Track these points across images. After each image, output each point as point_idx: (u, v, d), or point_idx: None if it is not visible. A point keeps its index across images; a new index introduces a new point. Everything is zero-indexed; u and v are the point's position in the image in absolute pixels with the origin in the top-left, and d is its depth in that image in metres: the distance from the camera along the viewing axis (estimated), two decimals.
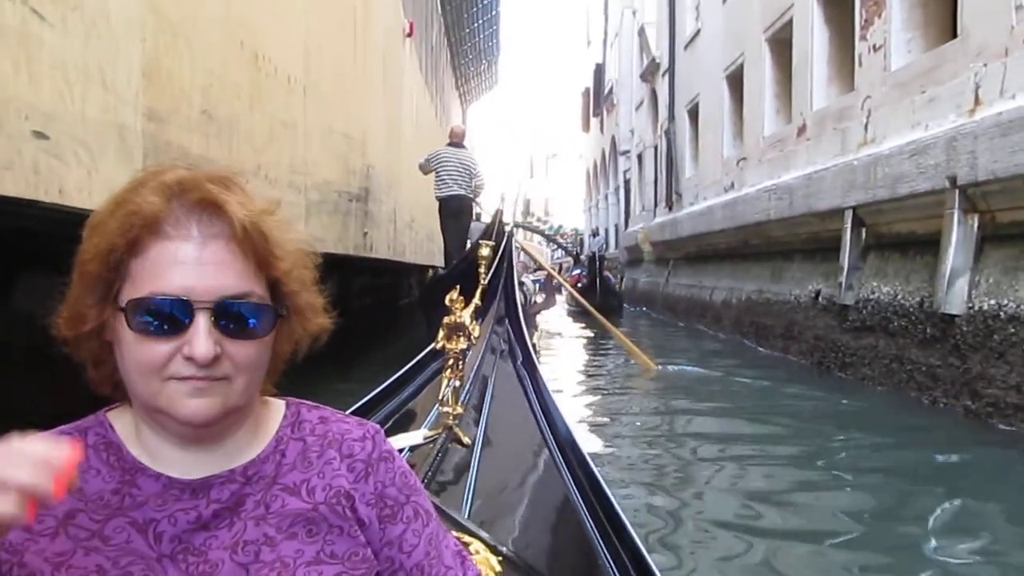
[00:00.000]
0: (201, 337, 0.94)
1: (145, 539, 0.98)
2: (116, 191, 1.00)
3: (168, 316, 0.95)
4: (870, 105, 9.08)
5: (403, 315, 15.31)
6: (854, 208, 8.84)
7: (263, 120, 5.54)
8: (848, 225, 8.90)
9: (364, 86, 8.93)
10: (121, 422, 1.05)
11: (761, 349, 11.60)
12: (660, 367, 9.90)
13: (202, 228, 0.96)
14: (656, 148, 23.42)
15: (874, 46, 9.11)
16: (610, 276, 20.36)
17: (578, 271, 23.13)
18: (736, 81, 14.93)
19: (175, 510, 1.00)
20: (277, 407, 1.13)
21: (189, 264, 0.95)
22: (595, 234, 26.61)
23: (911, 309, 7.46)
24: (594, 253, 21.97)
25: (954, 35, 7.92)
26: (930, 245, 7.38)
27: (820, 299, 9.74)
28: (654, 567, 1.79)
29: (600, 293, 17.82)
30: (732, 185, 14.55)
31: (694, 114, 18.48)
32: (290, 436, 1.10)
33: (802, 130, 11.25)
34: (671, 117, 20.31)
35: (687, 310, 16.81)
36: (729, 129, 15.57)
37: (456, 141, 11.27)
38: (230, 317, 0.97)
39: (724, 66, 15.52)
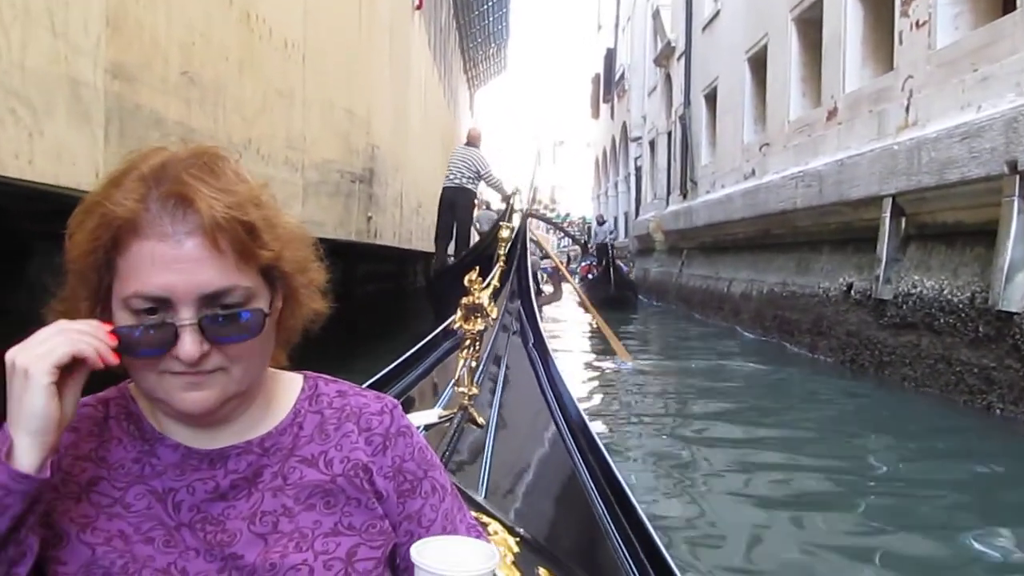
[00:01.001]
0: (187, 338, 0.94)
1: (164, 508, 1.00)
2: (97, 184, 1.00)
3: (155, 313, 0.95)
4: (912, 85, 8.45)
5: (409, 303, 14.79)
6: (894, 196, 8.24)
7: (255, 88, 4.95)
8: (887, 214, 8.30)
9: (369, 59, 8.30)
10: (140, 394, 1.05)
11: (787, 345, 11.01)
12: (631, 363, 9.67)
13: (176, 226, 0.94)
14: (670, 134, 22.78)
15: (917, 22, 8.47)
16: (623, 266, 19.90)
17: (587, 261, 22.52)
18: (758, 63, 14.29)
19: (193, 479, 1.01)
20: (295, 381, 1.13)
21: (168, 263, 0.93)
22: (601, 222, 25.82)
23: (960, 305, 6.87)
24: (606, 243, 21.38)
25: (1007, 8, 7.33)
26: (982, 236, 6.81)
27: (853, 293, 9.14)
28: (663, 548, 1.81)
29: (615, 284, 17.39)
30: (753, 172, 13.93)
31: (712, 99, 17.84)
32: (308, 409, 1.10)
33: (832, 113, 10.63)
34: (687, 102, 19.67)
35: (703, 302, 16.22)
36: (750, 113, 14.92)
37: (470, 142, 11.96)
38: (216, 313, 0.96)
39: (746, 48, 14.87)
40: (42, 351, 0.88)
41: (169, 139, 3.79)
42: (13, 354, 0.90)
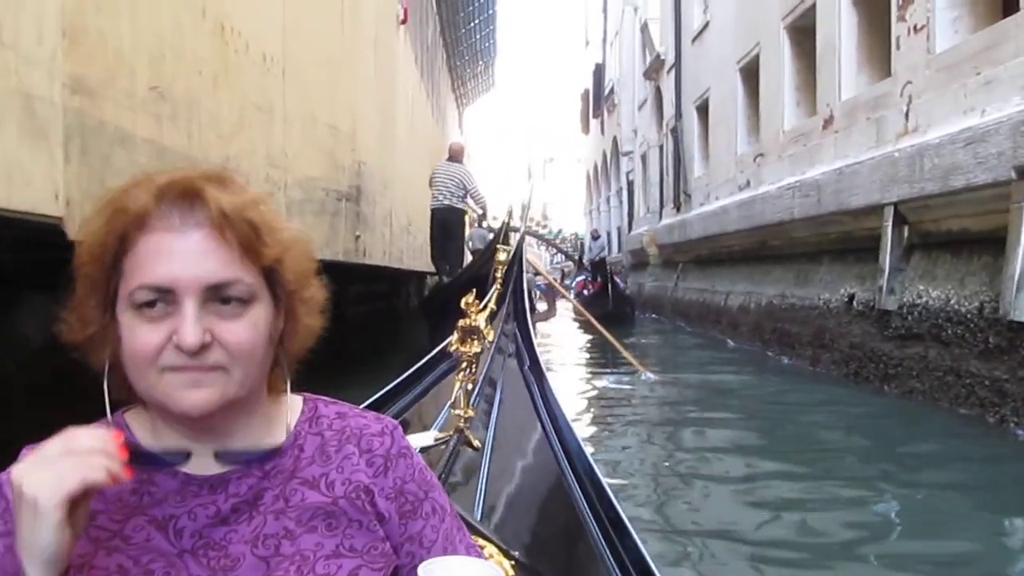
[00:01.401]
0: (188, 324, 0.94)
1: (165, 536, 0.99)
2: (107, 194, 1.00)
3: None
4: (911, 91, 8.26)
5: (402, 324, 14.55)
6: (896, 204, 8.03)
7: (232, 103, 4.72)
8: (889, 223, 8.09)
9: (353, 73, 8.06)
10: (137, 422, 1.06)
11: (785, 359, 10.78)
12: (654, 375, 9.76)
13: (184, 218, 0.96)
14: (661, 148, 22.61)
15: (914, 27, 8.28)
16: (620, 282, 19.54)
17: (582, 277, 22.26)
18: (751, 73, 14.12)
19: (194, 505, 1.01)
20: (294, 402, 1.13)
21: (173, 253, 0.95)
22: (595, 237, 25.51)
23: (968, 316, 6.64)
24: (602, 258, 21.18)
25: (1007, 11, 7.14)
26: (989, 244, 6.60)
27: (855, 304, 8.93)
28: (657, 572, 1.79)
29: (613, 300, 17.08)
30: (748, 183, 13.74)
31: (703, 110, 17.67)
32: (308, 431, 1.10)
33: (829, 122, 10.44)
34: (678, 115, 19.51)
35: (699, 316, 16.00)
36: (743, 124, 14.74)
37: (453, 157, 11.75)
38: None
39: (737, 58, 14.70)
40: (50, 480, 0.86)
41: (138, 157, 3.56)
42: (20, 476, 0.87)
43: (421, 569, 0.96)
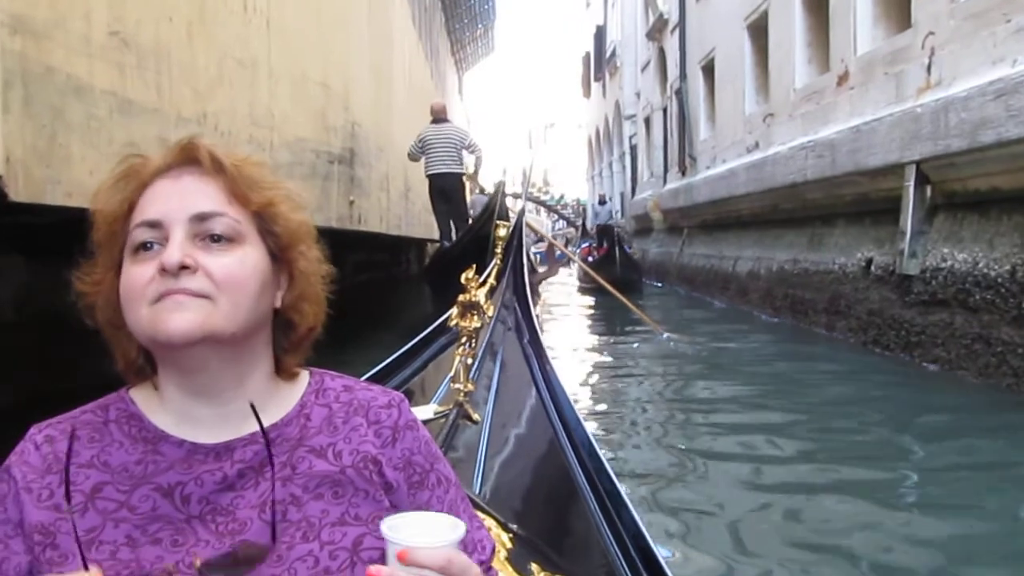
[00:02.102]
0: (172, 246, 0.98)
1: (172, 503, 1.01)
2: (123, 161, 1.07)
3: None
4: (933, 43, 7.82)
5: (403, 291, 14.21)
6: (918, 163, 7.62)
7: (209, 55, 4.32)
8: (910, 183, 7.68)
9: (345, 28, 7.61)
10: (142, 396, 1.08)
11: (801, 324, 10.41)
12: (667, 334, 9.90)
13: (179, 166, 1.03)
14: (665, 110, 22.12)
15: None
16: (627, 247, 18.78)
17: (586, 243, 21.75)
18: (759, 31, 13.63)
19: (201, 471, 1.02)
20: (301, 376, 1.16)
21: (166, 193, 1.01)
22: (603, 202, 24.67)
23: (999, 280, 6.26)
24: (609, 224, 20.66)
25: None
26: (1021, 203, 6.21)
27: (873, 268, 8.54)
28: (653, 545, 1.83)
29: (620, 266, 16.59)
30: (757, 145, 13.30)
31: (709, 70, 17.18)
32: (314, 402, 1.13)
33: (844, 78, 9.99)
34: (682, 76, 18.99)
35: (706, 282, 15.62)
36: (751, 84, 14.27)
37: (438, 117, 10.84)
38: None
39: (744, 15, 14.20)
40: None
41: (96, 110, 3.17)
42: None
43: (384, 524, 0.96)
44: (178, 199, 1.01)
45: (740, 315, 12.42)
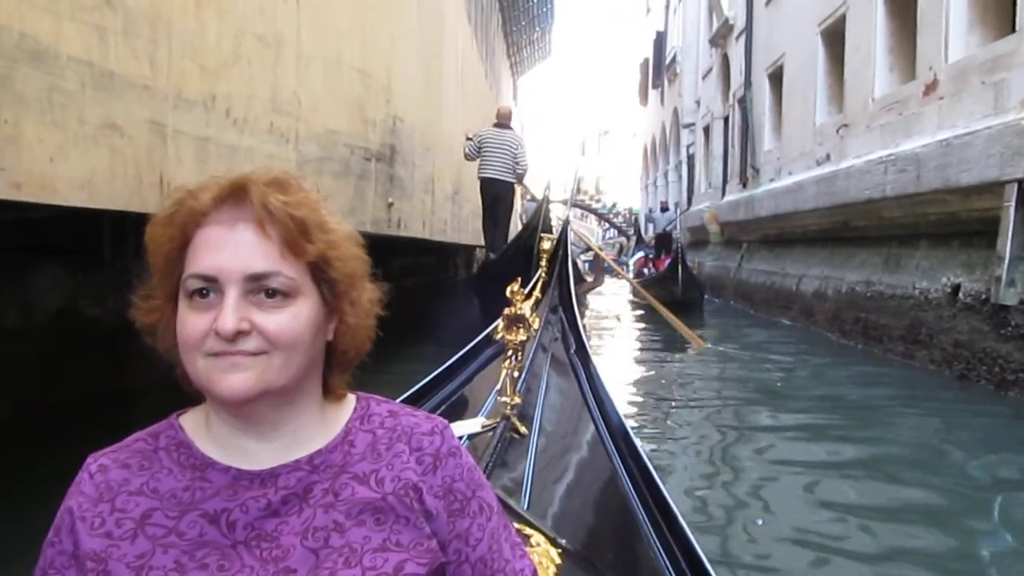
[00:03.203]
0: (226, 311, 0.99)
1: (218, 529, 1.03)
2: (175, 192, 1.06)
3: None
4: None
5: (450, 297, 13.63)
6: (1020, 181, 6.84)
7: (222, 28, 3.71)
8: (1011, 203, 6.91)
9: (390, 12, 6.93)
10: (191, 422, 1.11)
11: (875, 351, 9.59)
12: (710, 344, 10.04)
13: (232, 212, 1.02)
14: (727, 119, 21.29)
15: None
16: (689, 262, 16.92)
17: (642, 253, 20.91)
18: (834, 36, 12.81)
19: (246, 498, 1.04)
20: (347, 401, 1.16)
21: (220, 245, 1.01)
22: (664, 208, 23.39)
23: None
24: (667, 233, 19.62)
25: None
26: None
27: (961, 296, 7.75)
28: (706, 560, 1.80)
29: (682, 284, 15.01)
30: (828, 157, 12.48)
31: (776, 78, 16.36)
32: (359, 428, 1.14)
33: (932, 87, 9.18)
34: (747, 83, 18.18)
35: (766, 299, 14.81)
36: (824, 93, 13.44)
37: (502, 122, 10.83)
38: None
39: (818, 20, 13.38)
40: None
41: (64, 83, 2.55)
42: None
43: None
44: (231, 254, 1.00)
45: (806, 336, 11.62)
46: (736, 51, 19.79)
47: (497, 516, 1.16)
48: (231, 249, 1.00)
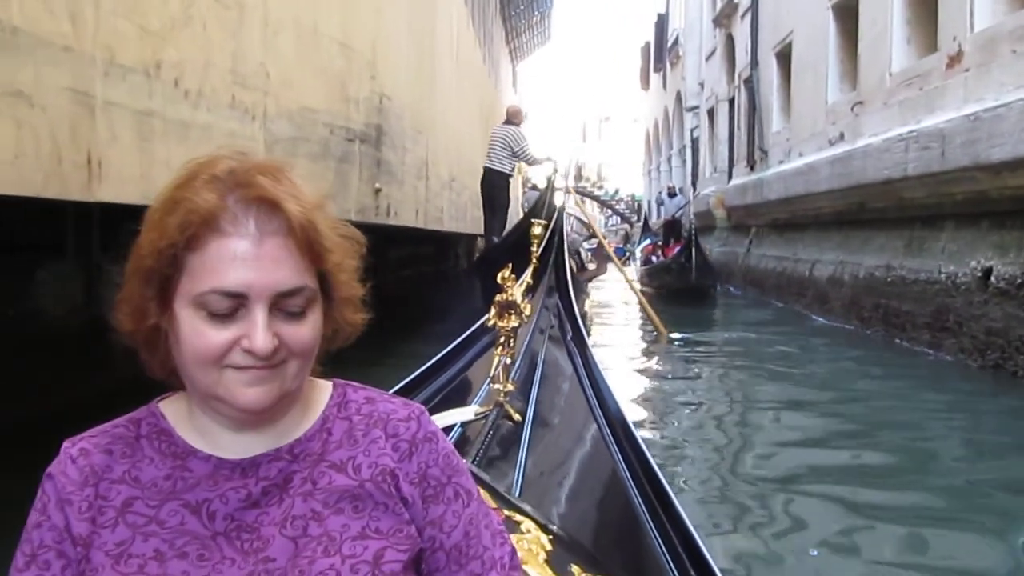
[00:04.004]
0: (260, 331, 0.97)
1: (199, 519, 1.02)
2: (167, 186, 1.02)
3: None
4: None
5: (449, 287, 13.15)
6: None
7: None
8: None
9: None
10: (172, 410, 1.09)
11: (898, 340, 9.07)
12: (673, 338, 10.03)
13: (260, 225, 0.98)
14: (732, 101, 20.72)
15: None
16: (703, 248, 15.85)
17: (649, 241, 20.29)
18: (846, 11, 12.26)
19: (226, 489, 1.03)
20: (324, 388, 1.15)
21: (248, 260, 0.97)
22: (672, 194, 22.45)
23: None
24: (677, 219, 18.99)
25: None
26: None
27: (993, 280, 7.22)
28: (702, 545, 1.79)
29: (696, 271, 14.13)
30: (842, 136, 11.94)
31: (784, 57, 15.79)
32: (336, 415, 1.12)
33: (956, 59, 8.63)
34: (753, 63, 17.62)
35: (777, 286, 14.29)
36: (835, 70, 12.87)
37: (508, 119, 11.35)
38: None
39: None
40: None
41: None
42: None
43: None
44: (263, 271, 0.97)
45: (839, 331, 11.12)
46: (741, 30, 19.22)
47: (476, 503, 1.15)
48: (262, 265, 0.96)
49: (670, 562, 1.88)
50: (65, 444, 1.04)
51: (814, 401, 6.53)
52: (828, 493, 4.16)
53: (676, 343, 9.96)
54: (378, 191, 6.22)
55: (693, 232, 14.57)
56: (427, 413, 1.16)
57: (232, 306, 0.96)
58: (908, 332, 8.86)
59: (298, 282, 0.98)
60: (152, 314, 1.00)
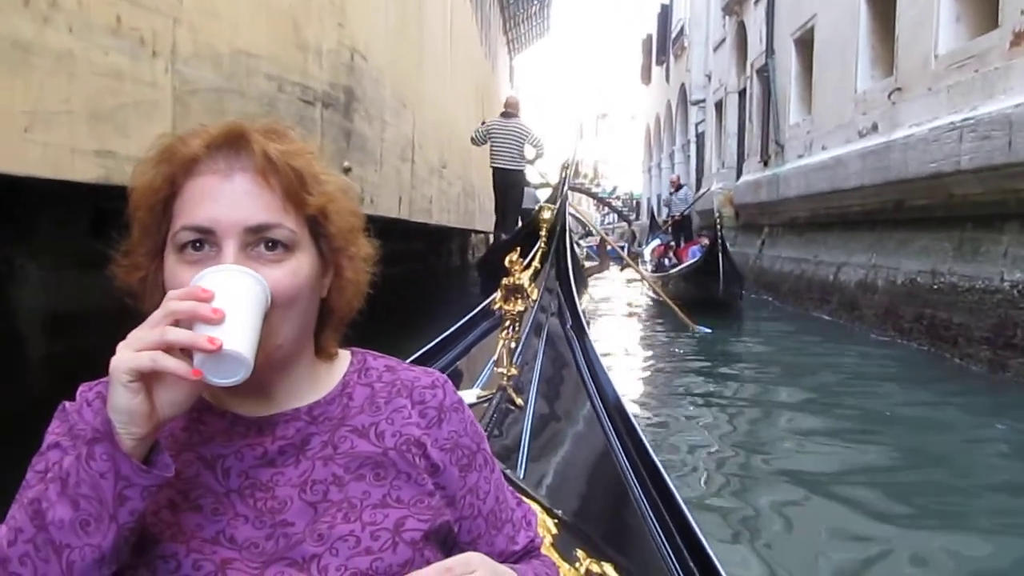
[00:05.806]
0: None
1: (213, 474, 1.01)
2: (160, 135, 1.00)
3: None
4: None
5: (443, 286, 12.11)
6: None
7: None
8: None
9: None
10: None
11: (948, 357, 7.95)
12: (700, 329, 9.92)
13: (229, 162, 0.98)
14: (743, 93, 19.60)
15: None
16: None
17: (658, 241, 19.06)
18: None
19: (241, 445, 1.03)
20: (343, 355, 1.14)
21: (216, 196, 0.97)
22: (676, 188, 21.02)
23: None
24: (686, 216, 17.87)
25: None
26: None
27: None
28: (698, 530, 1.79)
29: (723, 278, 12.12)
30: (875, 127, 10.82)
31: (805, 43, 14.66)
32: (357, 381, 1.11)
33: (1021, 36, 7.52)
34: (768, 51, 16.50)
35: (795, 291, 13.20)
36: (866, 55, 11.74)
37: (509, 111, 11.08)
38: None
39: None
40: (127, 355, 0.88)
41: None
42: (118, 349, 0.91)
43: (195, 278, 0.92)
44: (230, 205, 0.96)
45: (844, 332, 10.01)
46: (755, 17, 18.08)
47: (498, 469, 1.16)
48: (229, 200, 0.96)
49: (667, 546, 1.87)
50: (82, 388, 1.04)
51: (832, 405, 6.14)
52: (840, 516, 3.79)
53: (705, 335, 9.91)
54: (347, 170, 5.05)
55: (720, 233, 12.49)
56: (450, 382, 1.15)
57: (202, 242, 0.95)
58: (961, 348, 7.75)
59: (269, 218, 0.96)
60: (143, 267, 1.00)
